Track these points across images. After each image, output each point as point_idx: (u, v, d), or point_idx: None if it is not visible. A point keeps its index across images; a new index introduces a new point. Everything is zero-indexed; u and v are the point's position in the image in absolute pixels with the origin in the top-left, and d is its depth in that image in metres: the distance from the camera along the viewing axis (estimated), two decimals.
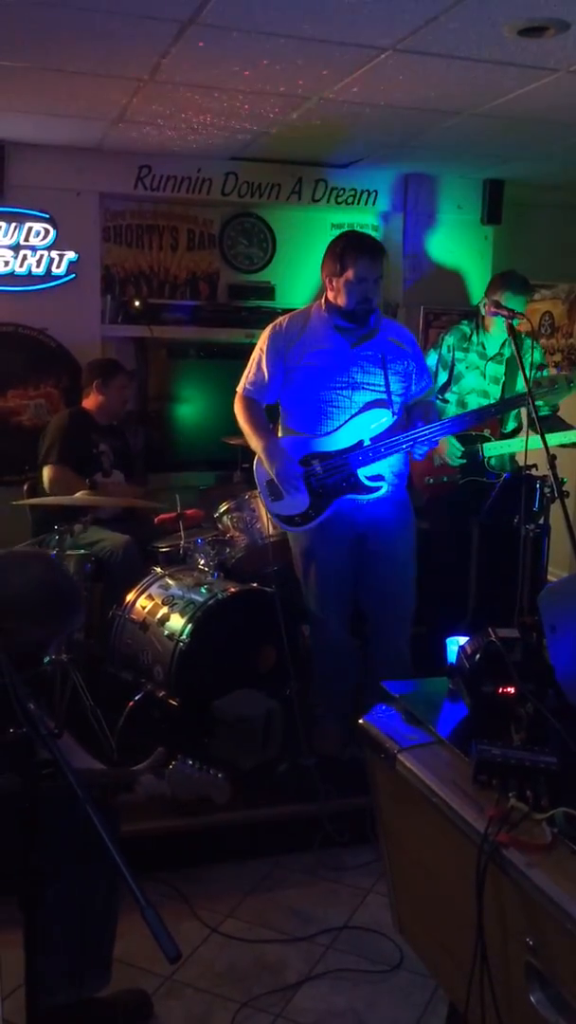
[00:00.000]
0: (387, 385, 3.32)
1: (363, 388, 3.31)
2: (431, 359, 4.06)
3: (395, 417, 3.34)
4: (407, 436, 3.32)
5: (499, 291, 3.87)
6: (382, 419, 3.32)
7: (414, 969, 2.51)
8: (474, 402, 4.04)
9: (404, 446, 3.31)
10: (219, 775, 2.26)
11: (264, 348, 3.38)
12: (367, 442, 3.31)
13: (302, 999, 2.44)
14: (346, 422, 3.31)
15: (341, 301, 3.24)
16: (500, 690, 1.90)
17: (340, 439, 3.31)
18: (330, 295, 3.31)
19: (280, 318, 3.47)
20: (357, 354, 3.30)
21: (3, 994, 2.10)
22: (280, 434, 3.44)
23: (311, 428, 3.34)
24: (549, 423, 4.03)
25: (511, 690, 1.89)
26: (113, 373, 4.39)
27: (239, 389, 3.46)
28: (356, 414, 3.30)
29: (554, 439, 3.84)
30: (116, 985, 2.31)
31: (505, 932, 1.53)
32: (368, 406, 3.31)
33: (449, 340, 4.08)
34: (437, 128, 4.24)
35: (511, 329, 3.17)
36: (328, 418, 3.32)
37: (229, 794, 2.30)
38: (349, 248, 3.25)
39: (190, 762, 2.25)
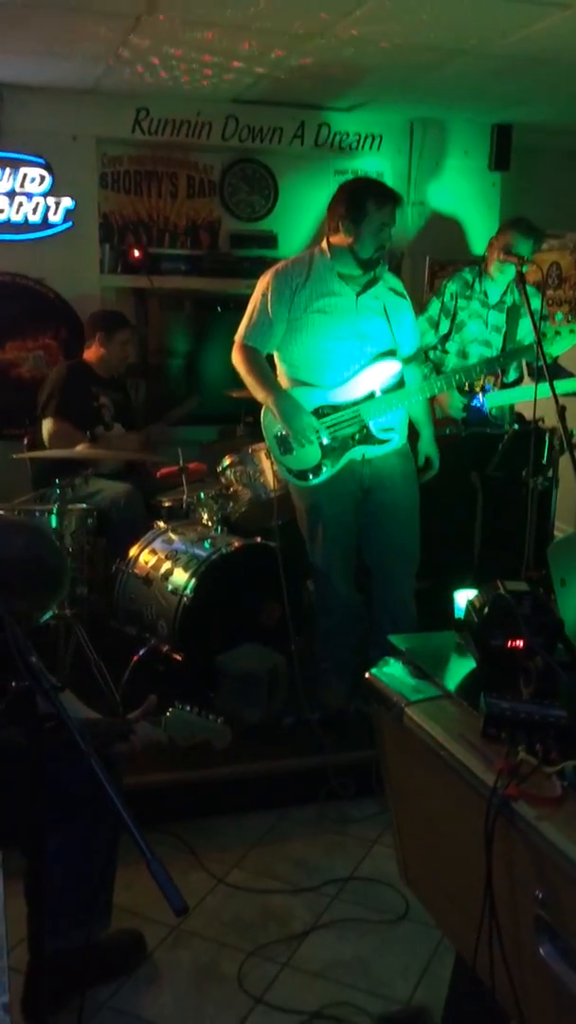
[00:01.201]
0: (393, 335, 3.29)
1: (371, 338, 3.25)
2: (433, 307, 3.97)
3: (404, 368, 3.29)
4: (419, 387, 3.31)
5: (508, 235, 3.77)
6: (392, 369, 3.27)
7: (419, 919, 2.53)
8: (476, 352, 3.95)
9: (416, 397, 3.28)
10: (219, 720, 2.24)
11: (269, 293, 3.25)
12: (379, 393, 3.25)
13: (308, 948, 2.46)
14: (357, 373, 3.25)
15: (357, 247, 3.15)
16: (509, 644, 1.87)
17: (351, 390, 3.25)
18: (337, 240, 3.20)
19: (281, 263, 3.36)
20: (362, 303, 3.24)
21: (10, 943, 2.12)
22: (287, 387, 3.35)
23: (320, 379, 3.27)
24: (550, 372, 3.96)
25: (520, 644, 1.86)
26: (117, 326, 4.32)
27: (238, 339, 3.34)
28: (366, 365, 3.25)
29: (559, 387, 3.77)
30: None
31: (514, 885, 1.52)
32: (377, 357, 3.26)
33: (451, 287, 3.97)
34: (444, 69, 4.11)
35: (520, 275, 3.09)
36: (338, 369, 3.25)
37: (229, 739, 2.27)
38: (372, 193, 3.16)
39: (187, 707, 2.23)
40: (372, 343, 3.25)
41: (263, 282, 3.30)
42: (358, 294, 3.23)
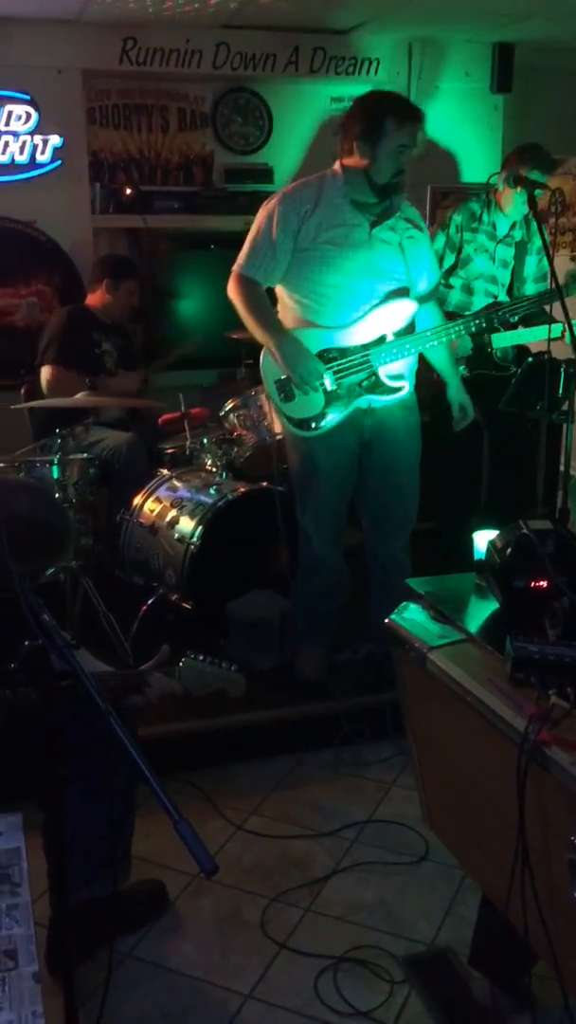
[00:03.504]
0: (408, 272, 3.03)
1: (384, 275, 2.99)
2: (438, 241, 3.80)
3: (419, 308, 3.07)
4: (436, 330, 3.07)
5: (524, 166, 3.57)
6: (407, 310, 3.03)
7: (440, 860, 2.52)
8: (481, 288, 3.82)
9: (431, 343, 3.07)
10: (232, 667, 2.20)
11: (275, 220, 2.92)
12: (391, 337, 3.02)
13: (330, 892, 2.46)
14: (368, 313, 2.99)
15: (373, 171, 2.86)
16: (533, 584, 1.82)
17: (361, 333, 3.00)
18: (351, 162, 2.89)
19: (289, 186, 3.06)
20: (376, 236, 2.97)
21: (33, 896, 2.12)
22: (289, 326, 3.07)
23: (327, 319, 2.98)
24: (540, 317, 3.85)
25: (544, 584, 1.81)
26: (127, 274, 4.18)
27: (236, 269, 3.01)
28: (378, 304, 2.99)
29: (543, 333, 3.66)
30: None
31: (547, 831, 1.49)
32: (391, 296, 3.00)
33: (457, 219, 3.81)
34: None
35: (532, 203, 2.96)
36: (347, 308, 2.98)
37: (244, 687, 2.24)
38: (393, 110, 2.83)
39: (201, 657, 2.19)
40: (385, 280, 3.00)
41: (268, 206, 2.98)
42: (372, 225, 2.96)
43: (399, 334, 3.04)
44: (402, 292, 3.04)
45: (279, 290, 3.08)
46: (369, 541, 3.33)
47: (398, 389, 3.07)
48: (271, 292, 3.10)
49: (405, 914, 2.38)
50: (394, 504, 3.22)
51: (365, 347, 3.01)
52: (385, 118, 2.83)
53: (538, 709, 1.48)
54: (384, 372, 3.03)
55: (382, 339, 3.03)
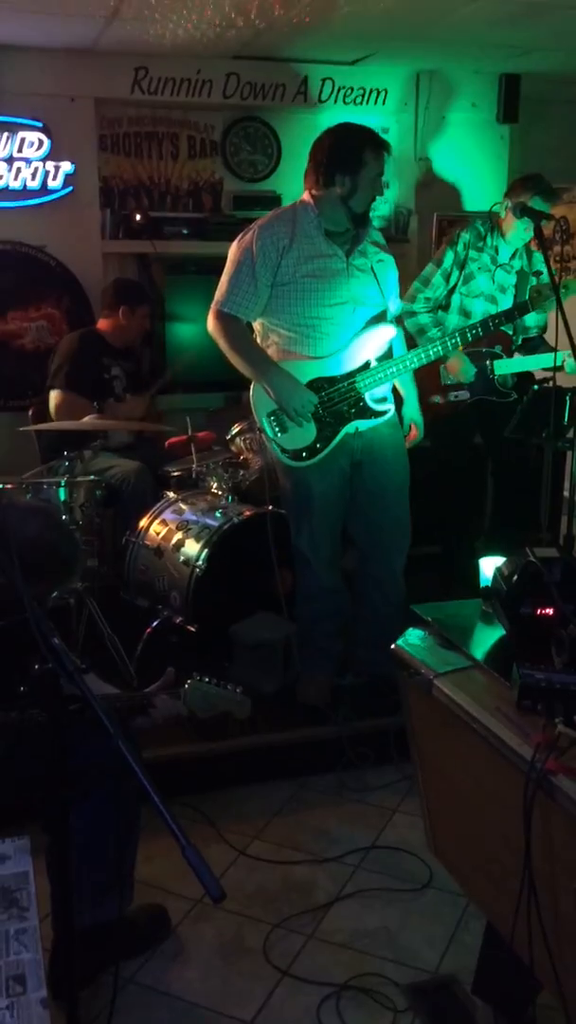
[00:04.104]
0: (383, 297, 3.08)
1: (364, 302, 3.04)
2: (447, 259, 3.82)
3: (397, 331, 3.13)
4: (415, 353, 3.13)
5: (527, 194, 3.62)
6: (387, 335, 3.08)
7: (443, 887, 2.51)
8: (480, 308, 3.83)
9: (413, 365, 3.12)
10: (238, 689, 2.21)
11: (255, 255, 2.93)
12: (374, 362, 3.07)
13: (333, 919, 2.45)
14: (351, 341, 3.03)
15: (353, 201, 2.91)
16: (539, 611, 1.83)
17: (346, 361, 3.04)
18: (325, 192, 2.93)
19: (263, 220, 3.02)
20: (352, 264, 3.01)
21: (41, 917, 2.11)
22: (273, 358, 3.06)
23: (313, 350, 3.02)
24: (533, 344, 3.89)
25: (550, 611, 1.81)
26: (141, 300, 4.24)
27: (215, 306, 3.01)
28: (360, 332, 3.04)
29: (540, 362, 3.71)
30: None
31: (553, 860, 1.49)
32: (370, 322, 3.05)
33: (466, 236, 3.82)
34: (452, 17, 3.97)
35: (539, 232, 2.99)
36: (331, 338, 3.00)
37: (250, 710, 2.24)
38: (368, 142, 2.89)
39: (206, 679, 2.20)
40: (365, 307, 3.05)
41: (243, 241, 2.98)
42: (347, 254, 2.99)
43: (381, 359, 3.09)
44: (380, 317, 3.09)
45: (259, 324, 3.10)
46: (367, 563, 3.33)
47: (383, 412, 3.14)
48: (249, 325, 3.12)
49: (409, 941, 2.36)
50: (388, 522, 3.24)
51: (351, 374, 3.06)
52: (363, 149, 2.89)
53: (545, 737, 1.48)
54: (370, 396, 3.09)
55: (366, 365, 3.08)
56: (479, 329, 3.34)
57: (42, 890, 1.97)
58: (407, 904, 2.50)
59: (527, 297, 3.84)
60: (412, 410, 3.32)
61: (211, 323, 3.05)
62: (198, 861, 1.19)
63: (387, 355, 3.11)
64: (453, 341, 3.26)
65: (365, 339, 3.06)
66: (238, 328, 3.03)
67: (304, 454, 3.08)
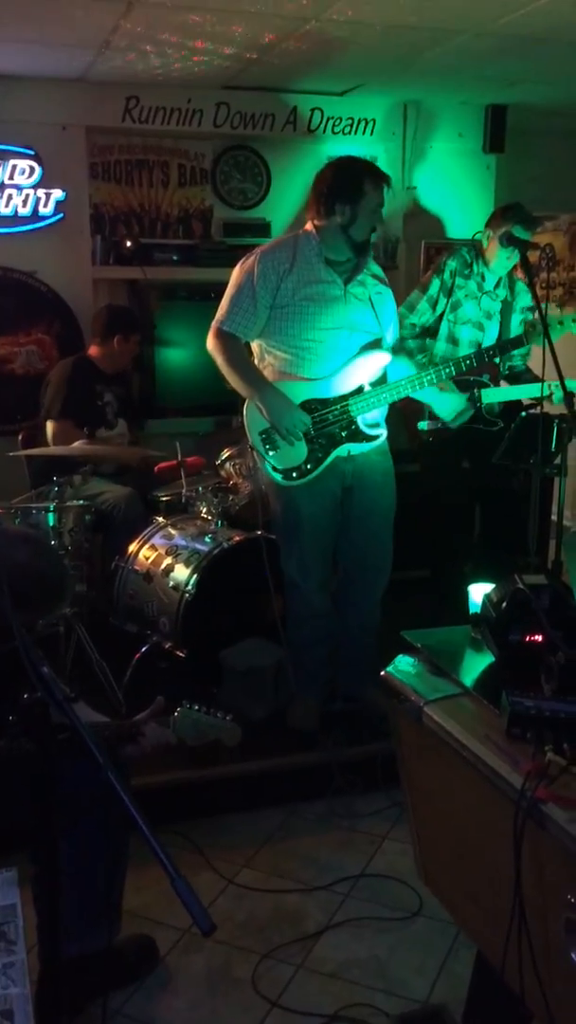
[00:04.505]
0: (379, 325, 3.16)
1: (359, 328, 3.12)
2: (433, 286, 3.86)
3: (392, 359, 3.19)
4: (410, 380, 3.17)
5: (508, 224, 3.67)
6: (381, 361, 3.15)
7: (434, 915, 2.50)
8: (466, 337, 3.86)
9: (406, 392, 3.17)
10: (227, 717, 2.20)
11: (255, 276, 3.04)
12: (367, 387, 3.13)
13: (323, 948, 2.43)
14: (345, 365, 3.11)
15: (352, 230, 3.01)
16: (528, 638, 1.83)
17: (339, 384, 3.11)
18: (326, 222, 3.03)
19: (265, 246, 3.16)
20: (350, 292, 3.10)
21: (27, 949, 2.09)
22: (269, 378, 3.14)
23: (307, 372, 3.09)
24: (517, 372, 3.92)
25: (539, 638, 1.82)
26: (134, 328, 4.27)
27: (215, 324, 3.11)
28: (355, 357, 3.12)
29: (526, 392, 3.74)
30: None
31: (544, 888, 1.48)
32: (365, 348, 3.13)
33: (452, 264, 3.86)
34: (439, 50, 4.03)
35: (525, 261, 3.03)
36: (325, 361, 3.09)
37: (240, 737, 2.23)
38: (368, 173, 3.01)
39: (196, 707, 2.19)
40: (360, 334, 3.12)
41: (245, 264, 3.10)
42: (345, 282, 3.09)
43: (375, 384, 3.15)
44: (375, 344, 3.17)
45: (256, 345, 3.19)
46: (347, 586, 3.36)
47: (375, 436, 3.19)
48: (247, 346, 3.20)
49: (398, 971, 2.35)
50: (373, 547, 3.29)
51: (344, 397, 3.12)
52: (363, 180, 2.99)
53: (535, 765, 1.48)
54: (362, 420, 3.15)
55: (360, 389, 3.14)
56: (473, 360, 3.37)
57: (29, 921, 1.95)
58: (397, 933, 2.49)
59: (511, 324, 3.88)
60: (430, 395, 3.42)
61: (210, 341, 3.13)
62: (188, 893, 1.18)
63: (381, 381, 3.17)
64: (447, 370, 3.29)
65: (359, 364, 3.13)
66: (236, 346, 3.11)
67: (295, 474, 3.13)
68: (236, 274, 3.12)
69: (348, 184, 2.99)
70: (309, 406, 3.10)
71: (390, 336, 3.25)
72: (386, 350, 3.19)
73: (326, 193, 3.03)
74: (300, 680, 3.33)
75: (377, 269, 3.23)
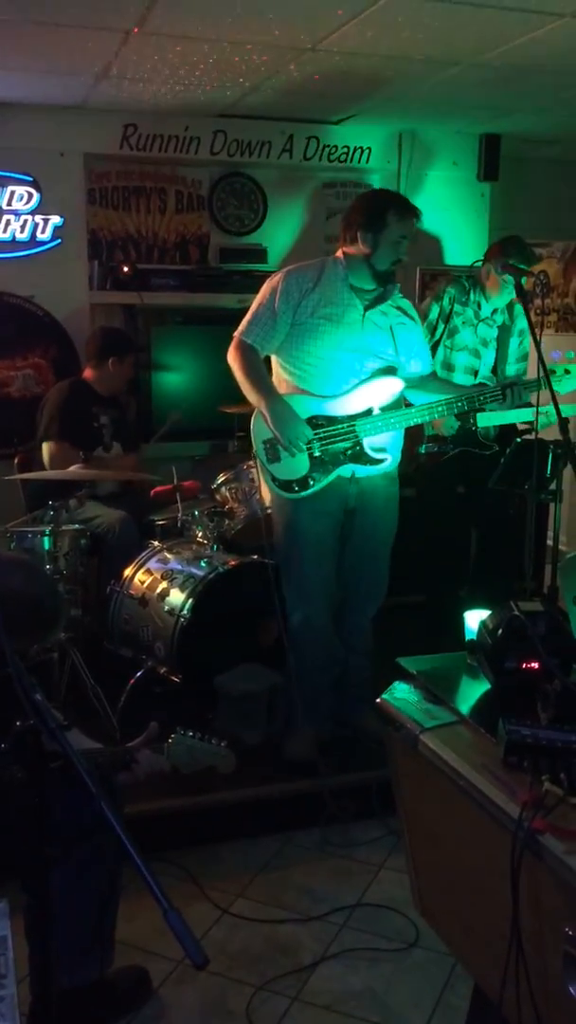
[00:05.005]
0: (397, 354, 3.20)
1: (374, 354, 3.15)
2: (432, 312, 3.90)
3: (405, 387, 3.21)
4: (420, 409, 3.19)
5: (504, 253, 3.70)
6: (394, 388, 3.17)
7: (430, 946, 2.47)
8: (461, 364, 3.90)
9: (416, 419, 3.19)
10: (222, 744, 2.18)
11: (278, 292, 3.10)
12: (376, 411, 3.15)
13: (318, 980, 2.39)
14: (356, 387, 3.14)
15: (375, 259, 3.06)
16: (524, 665, 1.83)
17: (348, 404, 3.14)
18: (353, 250, 3.10)
19: (292, 266, 3.23)
20: (369, 318, 3.14)
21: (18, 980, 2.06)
22: (283, 392, 3.19)
23: (318, 388, 3.13)
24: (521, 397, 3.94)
25: (535, 665, 1.82)
26: (128, 349, 4.28)
27: (238, 335, 3.18)
28: (366, 380, 3.15)
29: (520, 416, 3.74)
30: None
31: (542, 921, 1.47)
32: (379, 373, 3.16)
33: (451, 291, 3.91)
34: (435, 80, 4.09)
35: (519, 287, 3.05)
36: (337, 380, 3.13)
37: (234, 764, 2.21)
38: (395, 204, 3.09)
39: (190, 733, 2.17)
40: (373, 358, 3.16)
41: (272, 281, 3.17)
42: (366, 308, 3.13)
43: (385, 408, 3.17)
44: (389, 370, 3.19)
45: (274, 360, 3.24)
46: (343, 609, 3.35)
47: (381, 461, 3.19)
48: (267, 362, 3.24)
49: (395, 1003, 2.31)
50: (370, 571, 3.31)
51: (352, 418, 3.14)
52: (387, 211, 3.06)
53: (532, 795, 1.47)
54: (368, 443, 3.16)
55: (368, 411, 3.16)
56: (487, 396, 3.30)
57: (20, 951, 1.92)
58: (393, 964, 2.45)
59: (509, 349, 3.91)
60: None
61: (231, 351, 3.19)
62: (180, 926, 1.16)
63: (393, 407, 3.18)
64: (460, 404, 3.27)
65: (371, 387, 3.16)
66: (254, 357, 3.17)
67: (295, 487, 3.15)
68: (263, 289, 3.19)
69: (372, 214, 3.07)
70: (315, 421, 3.13)
71: (416, 366, 3.29)
72: (407, 378, 3.22)
73: (352, 222, 3.11)
74: (301, 709, 3.28)
75: (405, 304, 3.28)
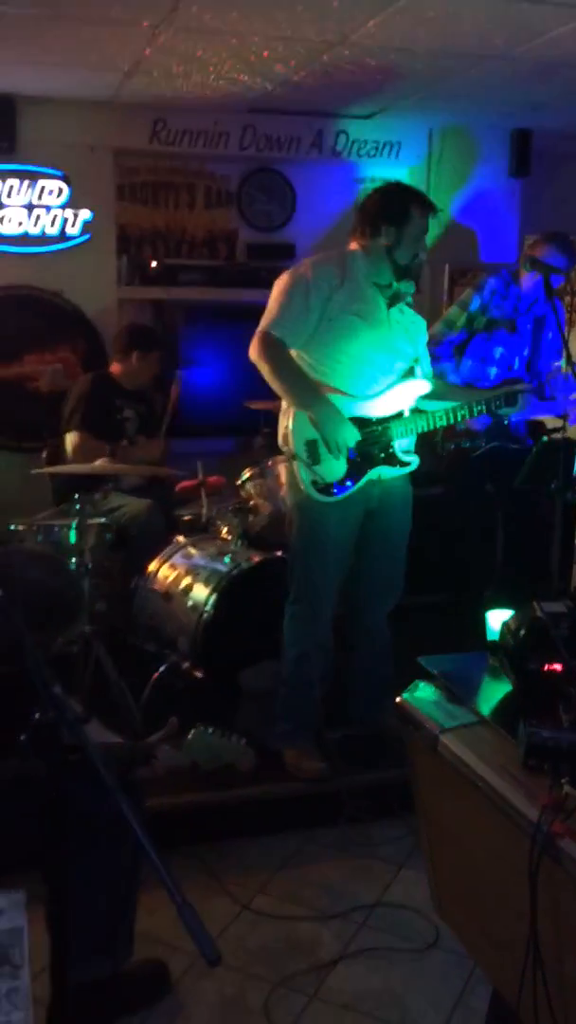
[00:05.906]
0: (416, 353, 3.16)
1: (399, 353, 3.10)
2: (474, 303, 3.87)
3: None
4: (445, 411, 3.14)
5: (543, 246, 3.67)
6: (421, 389, 3.13)
7: (450, 948, 2.45)
8: (499, 354, 3.87)
9: (441, 423, 3.15)
10: (242, 740, 2.18)
11: (310, 284, 2.95)
12: (407, 413, 3.11)
13: (336, 979, 2.39)
14: (389, 388, 3.07)
15: (396, 252, 2.98)
16: (546, 667, 1.81)
17: (382, 405, 3.07)
18: (372, 244, 3.01)
19: (315, 257, 3.11)
20: (392, 315, 3.09)
21: (33, 972, 2.07)
22: None
23: (352, 388, 3.02)
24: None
25: (558, 667, 1.79)
26: (153, 345, 4.29)
27: (262, 328, 2.97)
28: (398, 381, 3.09)
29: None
30: None
31: (560, 925, 1.45)
32: (407, 374, 3.11)
33: (492, 283, 3.88)
34: (466, 74, 4.05)
35: (547, 285, 3.02)
36: (370, 381, 3.04)
37: (254, 761, 2.21)
38: (416, 199, 3.02)
39: (210, 730, 2.17)
40: (400, 358, 3.11)
41: (298, 272, 3.01)
42: (388, 305, 3.07)
43: (413, 411, 3.14)
44: (412, 371, 3.15)
45: (302, 357, 3.05)
46: (359, 612, 3.29)
47: (408, 463, 3.15)
48: None
49: (413, 1004, 2.30)
50: (387, 571, 3.25)
51: (385, 420, 3.09)
52: (410, 205, 3.00)
53: (551, 799, 1.45)
54: (399, 445, 3.11)
55: (400, 414, 3.11)
56: (502, 400, 3.24)
57: (40, 940, 1.93)
58: (412, 965, 2.44)
59: (542, 342, 3.87)
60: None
61: (256, 347, 2.97)
62: (194, 921, 1.16)
63: (416, 409, 3.15)
64: (479, 407, 3.20)
65: (402, 388, 3.11)
66: (284, 353, 2.98)
67: (334, 490, 3.05)
68: (285, 281, 3.01)
69: (396, 206, 2.99)
70: (354, 423, 3.03)
71: (424, 370, 3.23)
72: (423, 379, 3.17)
73: (373, 214, 3.01)
74: (296, 727, 3.17)
75: (410, 307, 3.22)
